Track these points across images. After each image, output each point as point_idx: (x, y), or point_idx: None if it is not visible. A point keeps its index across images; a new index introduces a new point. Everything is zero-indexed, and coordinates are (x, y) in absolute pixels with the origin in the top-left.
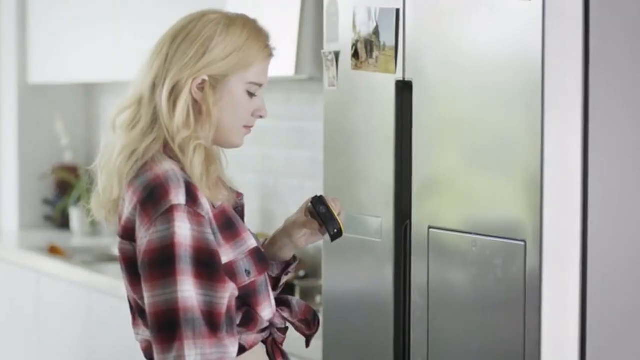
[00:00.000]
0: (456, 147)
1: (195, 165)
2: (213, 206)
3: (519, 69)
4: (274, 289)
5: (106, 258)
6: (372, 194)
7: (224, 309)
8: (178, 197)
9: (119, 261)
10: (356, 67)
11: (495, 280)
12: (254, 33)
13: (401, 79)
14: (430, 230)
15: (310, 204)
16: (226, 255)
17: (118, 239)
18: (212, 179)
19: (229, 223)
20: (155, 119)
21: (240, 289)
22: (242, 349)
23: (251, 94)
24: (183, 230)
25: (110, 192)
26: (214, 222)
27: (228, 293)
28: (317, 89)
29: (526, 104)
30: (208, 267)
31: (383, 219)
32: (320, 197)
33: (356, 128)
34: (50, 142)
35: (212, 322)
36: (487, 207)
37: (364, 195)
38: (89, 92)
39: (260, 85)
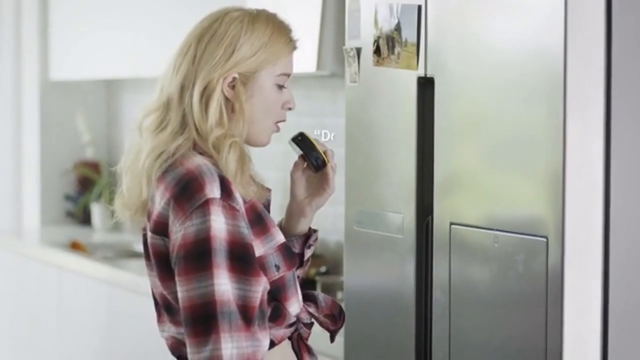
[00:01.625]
0: (478, 143)
1: (230, 162)
2: (244, 201)
3: (541, 66)
4: (300, 265)
5: (127, 254)
6: (393, 190)
7: (257, 302)
8: (213, 190)
9: (151, 256)
10: (378, 63)
11: (517, 277)
12: (277, 27)
13: (423, 75)
14: (452, 226)
15: (290, 140)
16: (257, 250)
17: (149, 234)
18: (246, 176)
19: (259, 218)
20: (185, 121)
21: (270, 284)
22: (271, 344)
23: (280, 87)
24: (218, 224)
25: (138, 193)
26: (245, 217)
27: (261, 287)
28: (339, 85)
29: (548, 100)
30: (243, 261)
31: (404, 215)
32: (301, 133)
33: (377, 124)
34: (71, 138)
35: (247, 315)
36: (509, 203)
37: (386, 191)
38: (110, 89)
39: (288, 76)
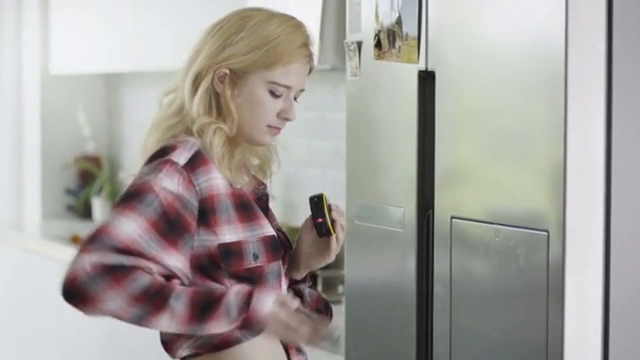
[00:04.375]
0: (479, 137)
1: (215, 145)
2: (231, 186)
3: (542, 59)
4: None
5: None
6: (394, 184)
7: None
8: (179, 157)
9: None
10: (379, 57)
11: (518, 270)
12: (288, 33)
13: (424, 68)
14: (453, 220)
15: (309, 197)
16: (236, 233)
17: None
18: (236, 161)
19: (246, 205)
20: (183, 104)
21: (244, 271)
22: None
23: (275, 95)
24: (164, 183)
25: (136, 166)
26: (226, 199)
27: (170, 261)
28: (340, 79)
29: (549, 93)
30: (168, 227)
31: (405, 209)
32: (320, 195)
33: (378, 118)
34: (72, 132)
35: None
36: (510, 197)
37: (386, 185)
38: (111, 83)
39: (287, 87)
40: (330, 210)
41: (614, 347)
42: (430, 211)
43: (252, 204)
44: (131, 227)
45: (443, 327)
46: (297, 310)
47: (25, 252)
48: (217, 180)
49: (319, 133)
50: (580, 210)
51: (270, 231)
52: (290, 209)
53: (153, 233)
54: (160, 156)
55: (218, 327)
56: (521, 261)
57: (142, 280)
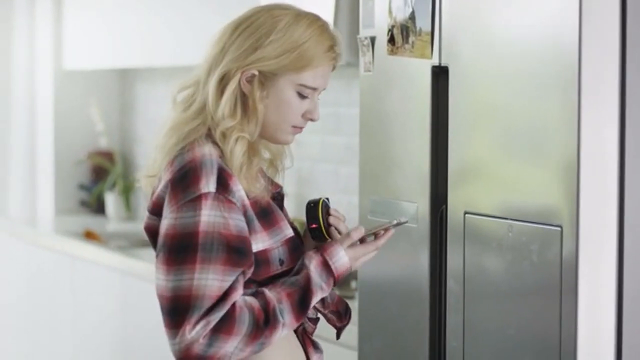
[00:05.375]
0: (492, 133)
1: (236, 155)
2: (247, 196)
3: (556, 54)
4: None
5: (141, 243)
6: (407, 179)
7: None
8: (208, 185)
9: (148, 237)
10: (392, 52)
11: (531, 266)
12: (316, 35)
13: (437, 64)
14: (466, 215)
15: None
16: (262, 242)
17: (147, 214)
18: (253, 171)
19: (265, 211)
20: (205, 104)
21: (271, 277)
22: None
23: (303, 96)
24: (211, 218)
25: (152, 167)
26: (250, 209)
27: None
28: (353, 74)
29: (563, 89)
30: (239, 253)
31: (419, 204)
32: (315, 201)
33: (392, 113)
34: (85, 128)
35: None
36: (523, 192)
37: (400, 181)
38: (124, 78)
39: (314, 89)
40: (329, 214)
41: (628, 343)
42: (444, 206)
43: (270, 207)
44: (210, 279)
45: (456, 323)
46: (364, 234)
47: (38, 247)
48: (242, 191)
49: (333, 129)
50: (594, 205)
51: (290, 232)
52: (303, 205)
53: (230, 269)
54: (187, 190)
55: (318, 300)
56: (534, 257)
57: (246, 317)
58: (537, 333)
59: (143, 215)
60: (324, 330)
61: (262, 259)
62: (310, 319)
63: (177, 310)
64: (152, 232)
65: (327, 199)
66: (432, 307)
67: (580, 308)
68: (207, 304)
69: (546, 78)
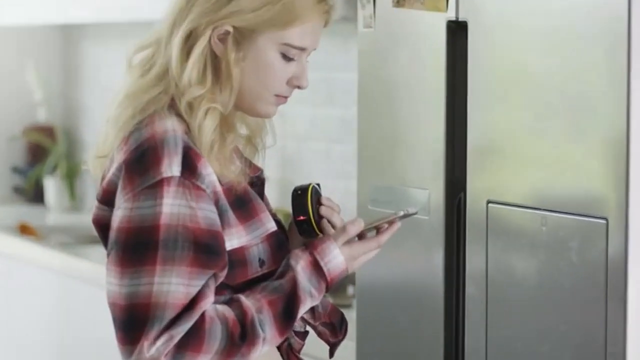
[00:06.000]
0: (521, 104)
1: (206, 131)
2: (220, 181)
3: (600, 8)
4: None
5: (88, 239)
6: (417, 161)
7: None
8: (172, 167)
9: (96, 232)
10: (398, 4)
11: (570, 267)
12: None
13: (454, 18)
14: (489, 205)
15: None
16: (238, 238)
17: (96, 204)
18: (227, 150)
19: (242, 200)
20: (168, 68)
21: (249, 282)
22: None
23: (288, 58)
24: (174, 209)
25: (102, 145)
26: (223, 198)
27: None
28: (350, 31)
29: (609, 50)
30: (209, 252)
31: (431, 191)
32: (308, 186)
33: (398, 80)
34: (20, 97)
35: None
36: (560, 177)
37: (408, 163)
38: (68, 37)
39: (302, 50)
40: (320, 204)
41: None
42: (462, 194)
43: (248, 195)
44: (174, 284)
45: (477, 337)
46: (363, 228)
47: None
48: (213, 175)
49: (324, 99)
50: None
51: (272, 226)
52: (288, 192)
53: (198, 270)
54: (145, 174)
55: (306, 309)
56: (574, 255)
57: (218, 330)
58: (578, 348)
59: (91, 205)
60: (314, 346)
61: (237, 258)
62: (297, 333)
63: (133, 322)
64: (103, 225)
65: (318, 184)
66: (448, 319)
67: (630, 315)
68: (170, 314)
69: (588, 36)
